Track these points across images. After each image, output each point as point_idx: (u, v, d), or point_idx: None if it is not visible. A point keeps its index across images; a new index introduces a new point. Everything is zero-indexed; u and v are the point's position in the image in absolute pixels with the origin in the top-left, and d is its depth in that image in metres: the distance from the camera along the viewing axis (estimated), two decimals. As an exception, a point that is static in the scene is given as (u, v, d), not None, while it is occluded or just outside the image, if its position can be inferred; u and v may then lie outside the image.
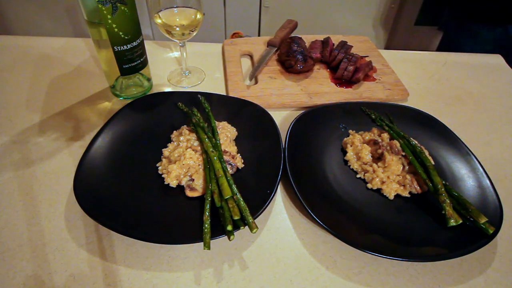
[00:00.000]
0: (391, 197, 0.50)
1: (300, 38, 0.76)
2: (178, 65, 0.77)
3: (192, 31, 0.62)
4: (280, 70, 0.74)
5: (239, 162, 0.52)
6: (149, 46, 0.79)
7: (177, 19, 0.61)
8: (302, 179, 0.49)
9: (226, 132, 0.54)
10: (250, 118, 0.59)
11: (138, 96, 0.65)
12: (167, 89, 0.70)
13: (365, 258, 0.44)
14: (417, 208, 0.48)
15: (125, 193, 0.47)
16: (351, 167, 0.54)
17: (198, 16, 0.61)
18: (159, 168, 0.51)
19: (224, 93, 0.69)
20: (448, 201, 0.45)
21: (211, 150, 0.49)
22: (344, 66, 0.70)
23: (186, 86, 0.71)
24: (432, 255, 0.42)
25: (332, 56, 0.74)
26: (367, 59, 0.77)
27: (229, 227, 0.41)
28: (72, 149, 0.56)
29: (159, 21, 0.61)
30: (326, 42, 0.77)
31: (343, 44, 0.76)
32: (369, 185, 0.51)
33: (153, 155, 0.53)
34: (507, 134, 0.64)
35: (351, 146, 0.55)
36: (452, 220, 0.43)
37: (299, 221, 0.48)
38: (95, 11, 0.52)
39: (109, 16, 0.52)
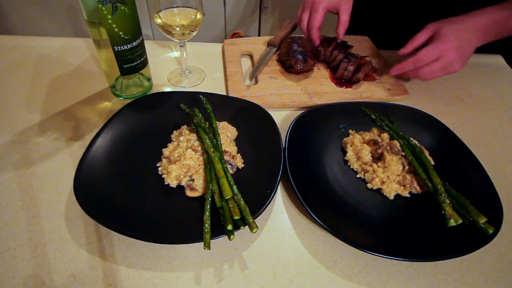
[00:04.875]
0: (391, 197, 0.50)
1: (300, 38, 0.76)
2: (178, 65, 0.77)
3: (192, 31, 0.62)
4: (280, 70, 0.74)
5: (239, 162, 0.52)
6: (149, 46, 0.79)
7: (177, 19, 0.61)
8: (302, 179, 0.49)
9: (227, 132, 0.54)
10: (250, 118, 0.59)
11: (138, 96, 0.65)
12: (167, 89, 0.70)
13: (365, 258, 0.44)
14: (417, 208, 0.48)
15: (125, 193, 0.47)
16: (351, 167, 0.54)
17: (198, 16, 0.61)
18: (159, 168, 0.51)
19: (224, 93, 0.69)
20: (448, 201, 0.45)
21: (212, 150, 0.49)
22: (344, 66, 0.70)
23: (186, 86, 0.71)
24: (432, 255, 0.42)
25: (333, 56, 0.74)
26: (367, 59, 0.77)
27: (230, 227, 0.41)
28: (72, 149, 0.56)
29: (159, 21, 0.61)
30: (328, 41, 0.76)
31: (343, 44, 0.76)
32: (369, 185, 0.51)
33: (153, 155, 0.53)
34: (507, 134, 0.64)
35: (351, 146, 0.55)
36: (452, 220, 0.43)
37: (299, 221, 0.48)
38: (95, 11, 0.52)
39: (109, 16, 0.52)
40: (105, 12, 0.51)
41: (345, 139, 0.57)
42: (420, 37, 0.64)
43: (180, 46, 0.67)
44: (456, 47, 0.60)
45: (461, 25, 0.62)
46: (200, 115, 0.55)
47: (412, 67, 0.63)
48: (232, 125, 0.57)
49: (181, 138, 0.52)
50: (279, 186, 0.51)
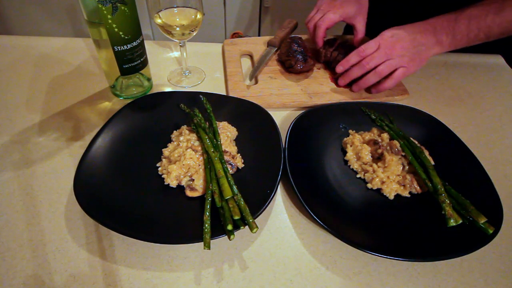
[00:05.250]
0: (391, 197, 0.50)
1: (300, 38, 0.76)
2: (178, 65, 0.77)
3: (192, 31, 0.62)
4: (280, 70, 0.74)
5: (239, 162, 0.52)
6: (149, 46, 0.79)
7: (177, 19, 0.61)
8: (302, 179, 0.49)
9: (227, 132, 0.54)
10: (250, 118, 0.59)
11: (138, 96, 0.65)
12: (167, 89, 0.70)
13: (365, 258, 0.44)
14: (417, 208, 0.48)
15: (125, 193, 0.47)
16: (351, 167, 0.54)
17: (198, 16, 0.61)
18: (159, 168, 0.51)
19: (224, 93, 0.69)
20: (448, 201, 0.45)
21: (212, 150, 0.49)
22: None
23: (186, 86, 0.71)
24: (432, 255, 0.42)
25: (332, 57, 0.74)
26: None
27: (230, 227, 0.41)
28: (72, 149, 0.56)
29: (159, 21, 0.61)
30: (330, 43, 0.76)
31: (344, 45, 0.76)
32: (369, 185, 0.51)
33: (153, 155, 0.53)
34: (507, 134, 0.64)
35: (351, 146, 0.55)
36: (452, 220, 0.43)
37: (299, 221, 0.48)
38: (95, 11, 0.52)
39: (109, 16, 0.52)
40: (105, 12, 0.51)
41: (345, 139, 0.57)
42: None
43: (180, 46, 0.67)
44: (393, 37, 0.63)
45: (400, 28, 0.64)
46: (200, 115, 0.55)
47: (357, 58, 0.64)
48: (232, 125, 0.57)
49: (181, 138, 0.52)
50: (279, 186, 0.51)
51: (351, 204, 0.49)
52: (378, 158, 0.53)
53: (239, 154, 0.53)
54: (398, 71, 0.63)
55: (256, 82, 0.71)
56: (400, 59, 0.62)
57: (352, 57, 0.65)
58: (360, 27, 0.72)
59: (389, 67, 0.63)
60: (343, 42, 0.77)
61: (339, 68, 0.67)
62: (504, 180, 0.55)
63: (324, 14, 0.71)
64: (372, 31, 0.86)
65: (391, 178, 0.50)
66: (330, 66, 0.75)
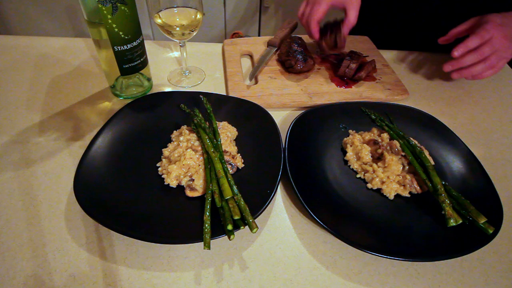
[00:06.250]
0: (391, 197, 0.50)
1: (300, 38, 0.76)
2: (178, 65, 0.77)
3: (192, 31, 0.62)
4: (280, 70, 0.74)
5: (239, 162, 0.52)
6: (149, 46, 0.79)
7: (177, 19, 0.61)
8: (302, 179, 0.49)
9: (227, 132, 0.54)
10: (250, 118, 0.59)
11: (138, 96, 0.65)
12: (167, 89, 0.70)
13: (365, 258, 0.44)
14: (417, 208, 0.48)
15: (125, 193, 0.47)
16: (351, 167, 0.54)
17: (198, 16, 0.61)
18: (159, 168, 0.51)
19: (224, 93, 0.69)
20: (448, 201, 0.45)
21: (212, 150, 0.49)
22: (347, 64, 0.69)
23: (186, 86, 0.71)
24: (432, 255, 0.42)
25: (336, 41, 0.71)
26: (367, 59, 0.77)
27: (230, 227, 0.41)
28: (72, 149, 0.56)
29: (159, 21, 0.61)
30: (325, 29, 0.73)
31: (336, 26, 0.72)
32: (369, 185, 0.51)
33: (153, 155, 0.53)
34: (507, 134, 0.64)
35: (351, 146, 0.55)
36: (452, 220, 0.43)
37: (299, 221, 0.48)
38: (95, 11, 0.52)
39: (109, 16, 0.52)
40: (105, 12, 0.51)
41: (345, 139, 0.57)
42: (461, 26, 0.63)
43: (180, 46, 0.67)
44: (503, 26, 0.59)
45: (504, 16, 0.61)
46: (200, 115, 0.55)
47: (477, 43, 0.60)
48: (232, 125, 0.57)
49: (181, 138, 0.52)
50: (279, 186, 0.51)
51: (351, 204, 0.49)
52: (378, 158, 0.53)
53: (239, 154, 0.53)
54: (501, 62, 0.62)
55: (256, 82, 0.71)
56: (506, 51, 0.61)
57: (473, 41, 0.60)
58: (352, 13, 0.66)
59: (499, 58, 0.61)
60: (334, 23, 0.72)
61: (455, 53, 0.62)
62: (504, 180, 0.55)
63: (312, 5, 0.67)
64: (372, 32, 0.86)
65: (391, 178, 0.50)
66: (333, 60, 0.73)
